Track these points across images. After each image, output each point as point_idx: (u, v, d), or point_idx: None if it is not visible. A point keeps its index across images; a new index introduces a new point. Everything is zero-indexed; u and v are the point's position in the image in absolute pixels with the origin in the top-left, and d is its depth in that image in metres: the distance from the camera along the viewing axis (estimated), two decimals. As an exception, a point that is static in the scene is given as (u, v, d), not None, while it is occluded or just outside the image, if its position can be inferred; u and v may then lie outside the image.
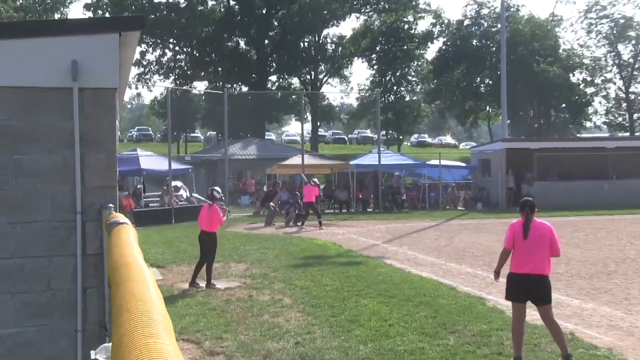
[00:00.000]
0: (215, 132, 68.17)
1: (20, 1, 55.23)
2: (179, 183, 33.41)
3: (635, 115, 68.61)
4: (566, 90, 63.19)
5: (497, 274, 7.65)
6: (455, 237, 20.34)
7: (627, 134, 63.96)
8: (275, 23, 61.88)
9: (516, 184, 33.33)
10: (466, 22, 66.16)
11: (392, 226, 24.14)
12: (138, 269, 2.42)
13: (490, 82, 65.22)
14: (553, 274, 12.42)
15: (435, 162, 35.83)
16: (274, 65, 63.72)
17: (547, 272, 7.06)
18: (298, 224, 24.12)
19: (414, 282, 11.80)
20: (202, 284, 11.90)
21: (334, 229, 23.41)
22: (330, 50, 64.91)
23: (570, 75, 65.58)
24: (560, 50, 66.71)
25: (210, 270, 12.01)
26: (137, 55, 58.54)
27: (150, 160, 32.06)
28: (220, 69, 62.69)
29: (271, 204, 25.99)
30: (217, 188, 13.07)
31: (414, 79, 68.57)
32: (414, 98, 68.34)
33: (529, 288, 7.04)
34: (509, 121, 57.38)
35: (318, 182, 26.33)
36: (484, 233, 21.16)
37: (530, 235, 7.06)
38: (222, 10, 61.52)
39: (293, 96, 61.91)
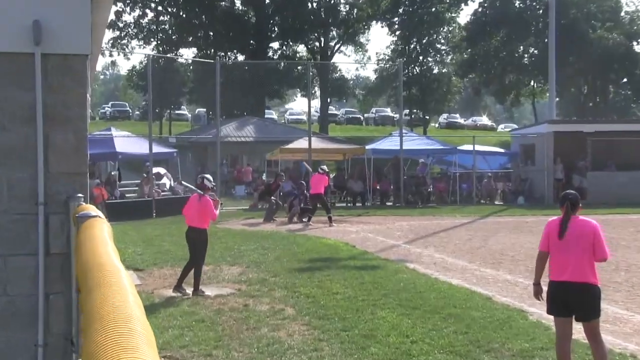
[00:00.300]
0: (205, 110, 68.30)
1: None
2: (161, 170, 33.48)
3: None
4: (628, 62, 62.85)
5: (536, 286, 7.36)
6: (492, 237, 20.34)
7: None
8: (278, -22, 61.81)
9: (565, 175, 33.29)
10: (508, -21, 65.89)
11: (416, 223, 24.16)
12: (113, 270, 2.41)
13: (535, 51, 64.97)
14: (609, 283, 12.44)
15: (468, 147, 35.84)
16: (276, 29, 63.68)
17: (592, 279, 6.94)
18: (303, 219, 24.14)
19: (442, 291, 11.81)
20: (189, 290, 11.94)
21: (347, 226, 23.41)
22: (344, 12, 64.78)
23: (634, 43, 65.19)
24: (622, 13, 66.36)
25: (198, 275, 12.04)
26: (111, 16, 58.44)
27: (127, 142, 32.14)
28: (211, 33, 62.67)
29: (272, 197, 26.05)
30: (208, 176, 13.10)
31: (443, 47, 68.41)
32: (444, 70, 68.18)
33: (571, 299, 6.96)
34: (557, 99, 57.14)
35: (328, 170, 26.32)
36: (525, 233, 21.12)
37: (567, 234, 6.96)
38: (214, -38, 61.48)
39: (299, 67, 61.84)
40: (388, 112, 76.82)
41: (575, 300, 6.95)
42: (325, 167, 25.92)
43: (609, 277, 12.92)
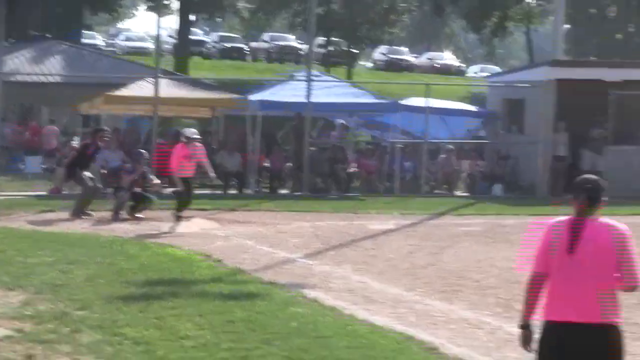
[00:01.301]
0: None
1: None
2: None
3: None
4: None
5: (525, 329, 7.23)
6: (447, 249, 20.56)
7: None
8: None
9: (572, 150, 33.53)
10: None
11: (326, 225, 24.28)
12: None
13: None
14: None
15: (418, 101, 35.81)
16: None
17: (614, 318, 7.04)
18: (138, 215, 24.16)
19: (359, 336, 11.89)
20: None
21: (212, 225, 23.46)
22: None
23: None
24: None
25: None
26: None
27: None
28: None
29: (86, 173, 25.64)
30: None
31: None
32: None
33: (578, 350, 6.98)
34: (567, 26, 57.92)
35: (199, 137, 25.29)
36: (502, 243, 21.47)
37: (582, 247, 6.94)
38: None
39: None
40: (290, 40, 76.84)
41: (585, 351, 6.94)
42: (195, 130, 25.25)
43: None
